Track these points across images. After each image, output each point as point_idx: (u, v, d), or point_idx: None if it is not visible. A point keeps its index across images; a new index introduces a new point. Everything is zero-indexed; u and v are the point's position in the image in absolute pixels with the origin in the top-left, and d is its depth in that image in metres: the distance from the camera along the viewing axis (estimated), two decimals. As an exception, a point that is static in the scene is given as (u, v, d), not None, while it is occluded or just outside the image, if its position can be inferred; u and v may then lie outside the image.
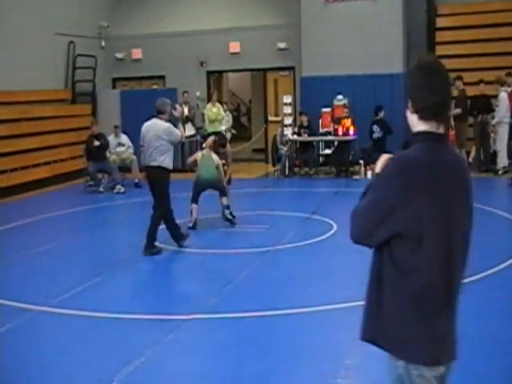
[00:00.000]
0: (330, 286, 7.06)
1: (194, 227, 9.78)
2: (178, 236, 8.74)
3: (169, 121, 8.70)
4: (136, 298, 7.01)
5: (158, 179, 8.55)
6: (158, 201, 8.57)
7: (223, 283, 7.10)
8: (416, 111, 2.58)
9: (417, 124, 2.59)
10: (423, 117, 2.56)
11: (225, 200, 10.00)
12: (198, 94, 17.22)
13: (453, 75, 14.86)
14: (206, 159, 10.08)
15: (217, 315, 6.17)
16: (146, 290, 7.34)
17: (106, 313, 6.38)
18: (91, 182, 14.41)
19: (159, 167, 8.50)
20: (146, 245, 8.53)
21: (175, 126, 8.69)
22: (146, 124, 8.71)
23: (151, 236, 8.55)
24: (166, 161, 8.54)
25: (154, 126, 8.54)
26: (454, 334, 2.59)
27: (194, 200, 9.94)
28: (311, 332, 5.76)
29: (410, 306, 2.50)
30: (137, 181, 14.60)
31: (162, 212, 8.55)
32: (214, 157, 10.15)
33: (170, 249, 8.81)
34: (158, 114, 8.59)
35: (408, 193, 2.46)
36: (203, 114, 16.25)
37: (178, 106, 8.94)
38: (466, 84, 14.86)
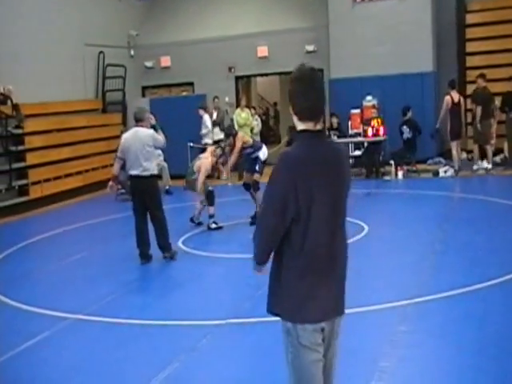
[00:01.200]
0: (364, 288, 6.97)
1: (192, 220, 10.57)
2: (166, 245, 8.71)
3: (153, 127, 8.77)
4: (169, 305, 7.03)
5: (152, 188, 8.58)
6: (153, 209, 8.59)
7: (256, 288, 7.08)
8: (295, 113, 3.08)
9: (297, 124, 3.10)
10: (301, 118, 3.07)
11: (211, 209, 10.38)
12: (226, 99, 17.27)
13: (482, 72, 14.68)
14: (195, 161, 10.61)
15: (250, 319, 6.15)
16: (179, 296, 7.35)
17: (141, 320, 6.42)
18: (122, 190, 14.52)
19: (152, 176, 8.55)
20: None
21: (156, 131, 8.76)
22: (127, 135, 8.62)
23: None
24: (154, 167, 8.61)
25: (138, 135, 8.48)
26: (338, 296, 3.17)
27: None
28: (344, 335, 5.69)
29: (299, 278, 3.01)
30: (167, 187, 14.70)
31: (163, 213, 8.66)
32: (197, 163, 10.50)
33: (201, 255, 8.83)
34: (138, 122, 8.61)
35: (293, 183, 2.92)
36: (232, 119, 16.29)
37: (151, 115, 9.00)
38: (497, 80, 14.63)
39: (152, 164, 8.53)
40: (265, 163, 10.60)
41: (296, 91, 3.08)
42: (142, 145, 8.38)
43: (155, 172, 8.66)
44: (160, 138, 8.61)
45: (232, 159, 10.77)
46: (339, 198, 3.09)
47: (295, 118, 3.10)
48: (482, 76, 14.43)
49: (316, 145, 3.06)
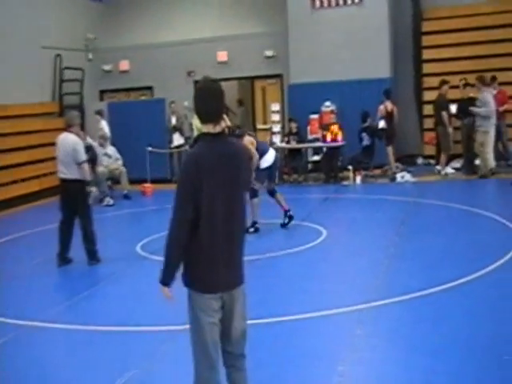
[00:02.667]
0: (322, 293, 7.06)
1: None
2: (90, 251, 8.71)
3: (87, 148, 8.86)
4: (129, 310, 6.97)
5: (75, 192, 8.59)
6: (78, 213, 8.65)
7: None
8: (198, 117, 3.62)
9: (200, 127, 3.63)
10: (202, 122, 3.59)
11: None
12: (186, 103, 17.23)
13: (440, 79, 14.97)
14: None
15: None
16: (137, 301, 7.30)
17: (99, 326, 6.36)
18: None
19: (75, 180, 8.54)
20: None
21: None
22: (60, 137, 8.72)
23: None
24: (76, 172, 8.56)
25: (64, 141, 8.60)
26: (235, 271, 3.70)
27: None
28: (304, 338, 5.75)
29: (201, 255, 3.54)
30: (125, 192, 14.61)
31: (87, 218, 8.65)
32: None
33: (160, 260, 8.78)
34: (68, 127, 8.65)
35: (194, 178, 3.46)
36: (191, 124, 16.26)
37: (81, 132, 9.06)
38: (451, 87, 14.90)
39: (73, 170, 8.52)
40: (272, 168, 10.30)
41: (199, 99, 3.63)
42: (66, 151, 8.53)
43: (78, 177, 8.57)
44: (80, 154, 8.51)
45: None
46: (235, 187, 3.61)
47: (198, 123, 3.52)
48: (446, 83, 14.71)
49: (215, 143, 3.57)
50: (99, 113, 16.01)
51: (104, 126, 15.53)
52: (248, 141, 9.99)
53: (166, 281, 3.72)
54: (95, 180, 14.12)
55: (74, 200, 8.63)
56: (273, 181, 10.53)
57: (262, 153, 10.07)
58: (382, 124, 15.06)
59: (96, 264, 8.69)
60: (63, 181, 8.68)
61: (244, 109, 19.29)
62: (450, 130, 14.51)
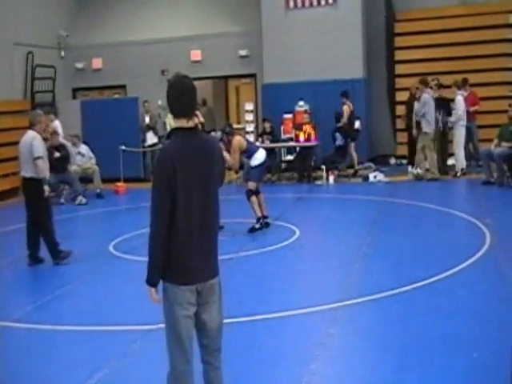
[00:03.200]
0: (295, 292, 7.08)
1: None
2: (50, 252, 8.65)
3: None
4: (101, 309, 6.92)
5: (29, 191, 8.54)
6: (32, 212, 8.60)
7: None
8: (171, 113, 3.67)
9: (174, 122, 3.68)
10: (175, 116, 3.65)
11: None
12: (159, 102, 17.16)
13: (412, 80, 15.11)
14: None
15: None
16: (111, 300, 7.26)
17: (70, 325, 6.31)
18: (52, 194, 14.20)
19: (30, 179, 8.48)
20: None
21: None
22: (25, 135, 8.67)
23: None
24: (32, 170, 8.46)
25: (24, 137, 8.57)
26: (210, 263, 3.72)
27: None
28: (276, 337, 5.77)
29: (178, 249, 3.57)
30: (98, 191, 14.51)
31: (42, 218, 8.56)
32: None
33: (132, 259, 8.75)
34: (31, 126, 8.59)
35: (169, 172, 3.49)
36: (165, 123, 16.20)
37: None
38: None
39: (29, 167, 8.45)
40: (262, 166, 10.24)
41: (171, 95, 3.66)
42: (24, 148, 8.48)
43: (34, 175, 8.46)
44: (35, 148, 8.38)
45: (229, 160, 9.95)
46: (209, 181, 3.67)
47: (172, 117, 3.70)
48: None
49: (188, 138, 3.63)
50: (52, 112, 15.54)
51: (58, 126, 15.06)
52: (236, 140, 9.98)
53: (153, 281, 3.67)
54: (68, 179, 14.01)
55: (28, 198, 8.56)
56: (260, 180, 10.52)
57: (252, 152, 10.05)
58: (357, 124, 15.18)
59: (60, 264, 8.58)
60: (23, 179, 8.64)
61: (207, 108, 19.22)
62: (414, 131, 14.62)
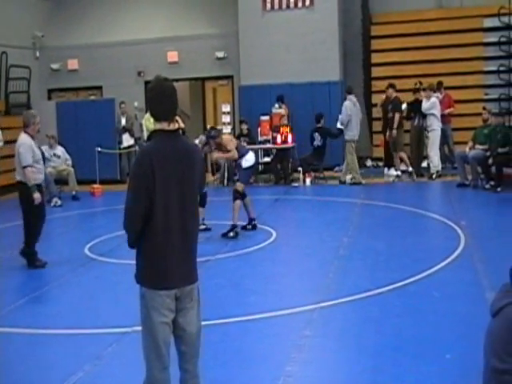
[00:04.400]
0: (271, 294, 7.09)
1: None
2: (28, 255, 8.59)
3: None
4: (76, 312, 6.87)
5: (19, 194, 8.50)
6: (25, 215, 8.52)
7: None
8: (152, 116, 3.66)
9: (155, 125, 3.65)
10: (156, 119, 3.62)
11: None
12: (136, 104, 17.09)
13: (386, 83, 15.22)
14: None
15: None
16: (87, 303, 7.20)
17: (45, 329, 6.25)
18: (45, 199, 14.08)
19: (21, 182, 8.42)
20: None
21: None
22: (19, 137, 8.59)
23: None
24: (20, 173, 8.40)
25: (17, 142, 8.49)
26: (189, 267, 3.65)
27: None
28: (252, 340, 5.77)
29: (155, 252, 3.53)
30: (74, 193, 14.38)
31: (25, 221, 8.51)
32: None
33: (108, 261, 8.70)
34: (24, 127, 8.50)
35: (147, 173, 3.45)
36: (141, 125, 16.10)
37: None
38: (400, 91, 15.16)
39: (19, 171, 8.38)
40: (252, 169, 10.33)
41: (152, 98, 3.68)
42: (16, 153, 8.41)
43: (22, 179, 8.37)
44: (22, 157, 8.25)
45: (228, 155, 10.00)
46: (189, 184, 3.62)
47: (153, 120, 3.68)
48: (392, 86, 14.95)
49: (168, 140, 3.60)
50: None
51: None
52: (228, 138, 10.05)
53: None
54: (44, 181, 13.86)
55: (21, 200, 8.47)
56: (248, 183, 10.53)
57: (243, 153, 10.04)
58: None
59: (35, 269, 8.46)
60: (16, 181, 8.55)
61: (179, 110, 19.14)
62: (394, 132, 14.70)
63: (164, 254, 3.54)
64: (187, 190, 3.61)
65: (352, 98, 14.52)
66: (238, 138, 15.79)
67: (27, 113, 8.89)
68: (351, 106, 14.35)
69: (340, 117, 14.55)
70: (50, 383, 4.97)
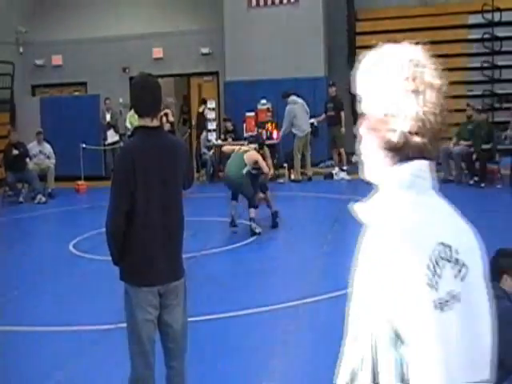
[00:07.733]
0: (255, 290, 7.11)
1: (232, 224, 9.60)
2: None
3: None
4: (60, 310, 6.85)
5: None
6: None
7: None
8: (136, 112, 3.68)
9: (138, 121, 3.68)
10: (139, 116, 3.63)
11: (252, 212, 9.51)
12: (120, 100, 17.01)
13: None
14: (238, 155, 9.59)
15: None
16: (71, 300, 7.17)
17: (28, 326, 6.22)
18: (10, 193, 14.00)
19: None
20: None
21: None
22: None
23: None
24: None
25: None
26: (173, 264, 3.62)
27: (233, 197, 9.71)
28: (236, 336, 5.78)
29: (138, 249, 3.51)
30: (50, 190, 14.15)
31: None
32: (251, 156, 9.49)
33: (93, 258, 8.67)
34: None
35: (129, 169, 3.45)
36: (125, 120, 16.05)
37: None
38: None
39: None
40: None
41: (135, 94, 3.73)
42: None
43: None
44: None
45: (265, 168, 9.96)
46: (171, 180, 3.61)
47: (136, 116, 3.71)
48: (333, 85, 15.14)
49: (150, 136, 3.60)
50: None
51: None
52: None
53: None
54: (27, 177, 13.79)
55: None
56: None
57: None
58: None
59: None
60: None
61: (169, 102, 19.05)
62: (343, 129, 14.83)
63: (146, 251, 3.52)
64: (170, 186, 3.59)
65: (291, 100, 14.59)
66: (224, 134, 15.85)
67: None
68: (291, 109, 14.51)
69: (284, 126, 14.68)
70: (34, 380, 4.95)
